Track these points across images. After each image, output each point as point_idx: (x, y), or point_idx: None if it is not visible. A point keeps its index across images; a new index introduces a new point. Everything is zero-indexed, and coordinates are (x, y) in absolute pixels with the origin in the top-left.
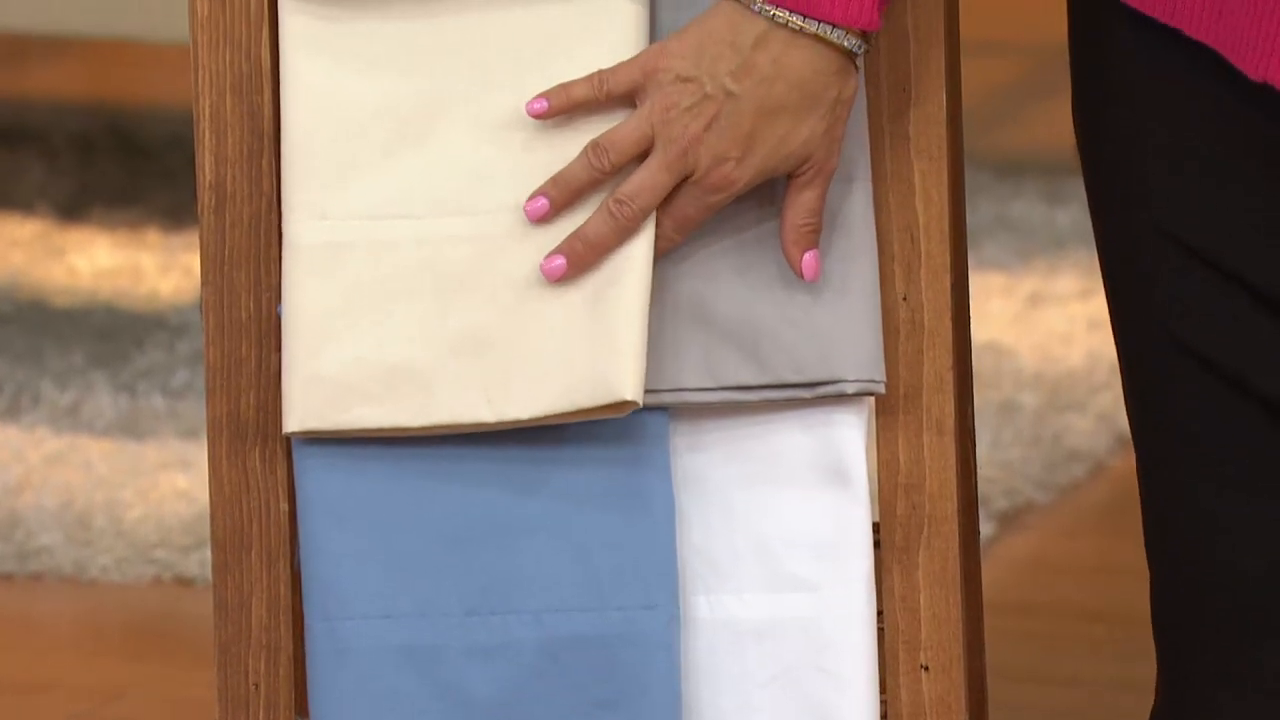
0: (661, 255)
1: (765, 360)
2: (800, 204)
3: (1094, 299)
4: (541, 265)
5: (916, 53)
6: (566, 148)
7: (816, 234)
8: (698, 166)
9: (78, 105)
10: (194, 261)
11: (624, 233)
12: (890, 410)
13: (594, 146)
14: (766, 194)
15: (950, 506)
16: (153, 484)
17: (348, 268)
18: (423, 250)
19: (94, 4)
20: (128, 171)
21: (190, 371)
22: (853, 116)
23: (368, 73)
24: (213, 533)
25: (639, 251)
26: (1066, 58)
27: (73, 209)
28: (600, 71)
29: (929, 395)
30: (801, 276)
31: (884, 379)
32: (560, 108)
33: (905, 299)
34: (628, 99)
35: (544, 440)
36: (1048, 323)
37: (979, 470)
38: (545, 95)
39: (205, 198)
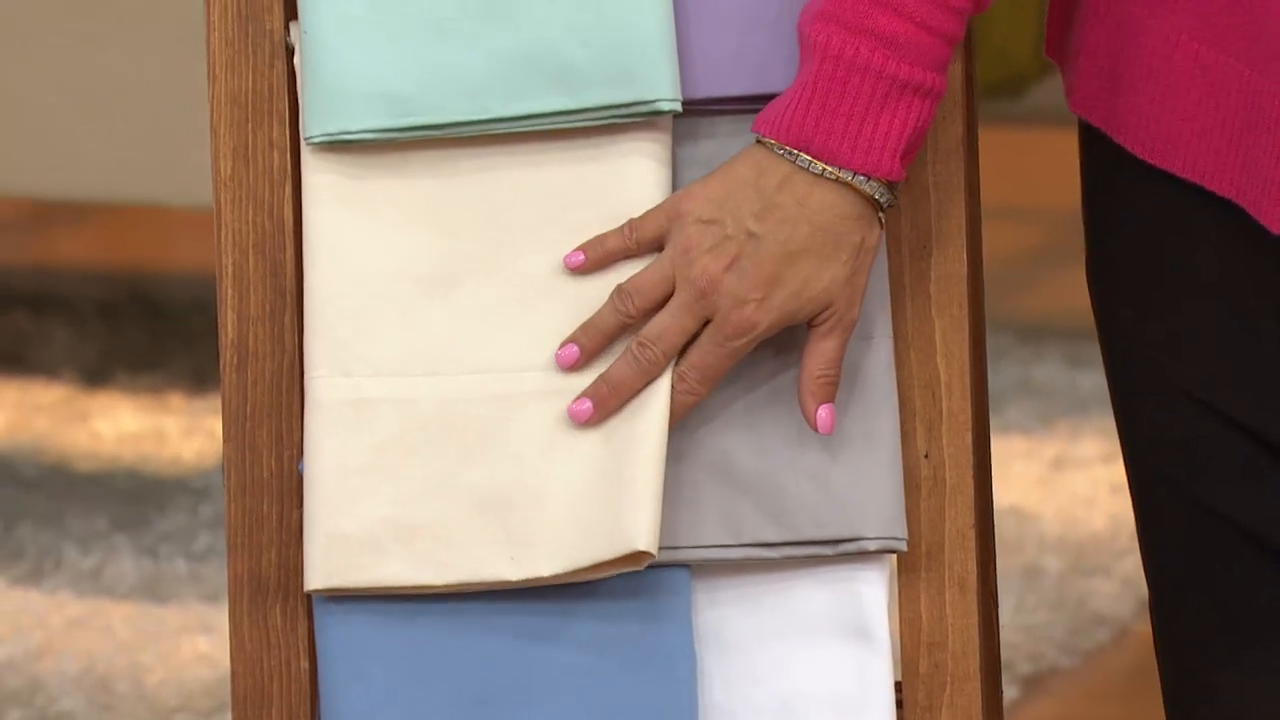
0: (686, 411)
1: (786, 517)
2: (819, 354)
3: (1117, 463)
4: (569, 409)
5: (937, 209)
6: (588, 302)
7: (834, 387)
8: (718, 309)
9: (101, 271)
10: (217, 425)
11: (647, 375)
12: (912, 567)
13: (619, 291)
14: (787, 349)
15: (973, 664)
16: (174, 648)
17: (370, 425)
18: (445, 408)
19: (117, 170)
20: (151, 336)
21: (212, 535)
22: (873, 273)
23: (390, 230)
24: (233, 690)
25: (656, 405)
26: None
27: (96, 374)
28: (630, 221)
29: (951, 552)
30: (815, 429)
31: (905, 536)
32: (596, 260)
33: (927, 456)
34: (658, 245)
35: (565, 597)
36: (1071, 487)
37: (1002, 634)
38: (582, 249)
39: (227, 355)
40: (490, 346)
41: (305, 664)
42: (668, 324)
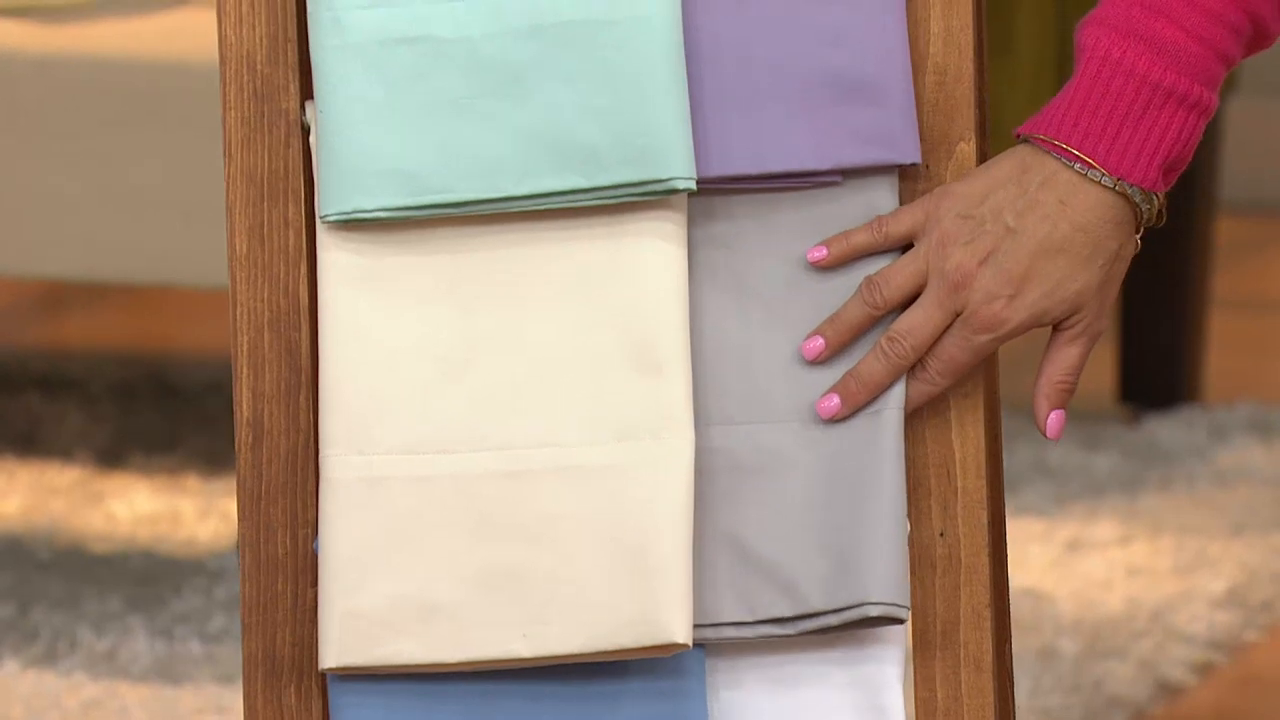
0: (925, 401)
1: (797, 590)
2: (1062, 359)
3: (1132, 545)
4: (817, 405)
5: None
6: (603, 383)
7: (1070, 394)
8: (968, 303)
9: (116, 352)
10: (232, 506)
11: (896, 371)
12: (927, 646)
13: (868, 283)
14: (801, 421)
15: None
16: None
17: (385, 503)
18: (460, 485)
19: (130, 250)
20: (166, 418)
21: (228, 616)
22: None
23: (405, 308)
24: None
25: (678, 485)
26: None
27: (112, 455)
28: (880, 216)
29: (966, 631)
30: (1044, 433)
31: (909, 604)
32: (839, 255)
33: (942, 534)
34: (906, 241)
35: (580, 676)
36: (1086, 569)
37: (1017, 716)
38: (825, 243)
39: (243, 434)
40: (505, 424)
41: None
42: (918, 319)
